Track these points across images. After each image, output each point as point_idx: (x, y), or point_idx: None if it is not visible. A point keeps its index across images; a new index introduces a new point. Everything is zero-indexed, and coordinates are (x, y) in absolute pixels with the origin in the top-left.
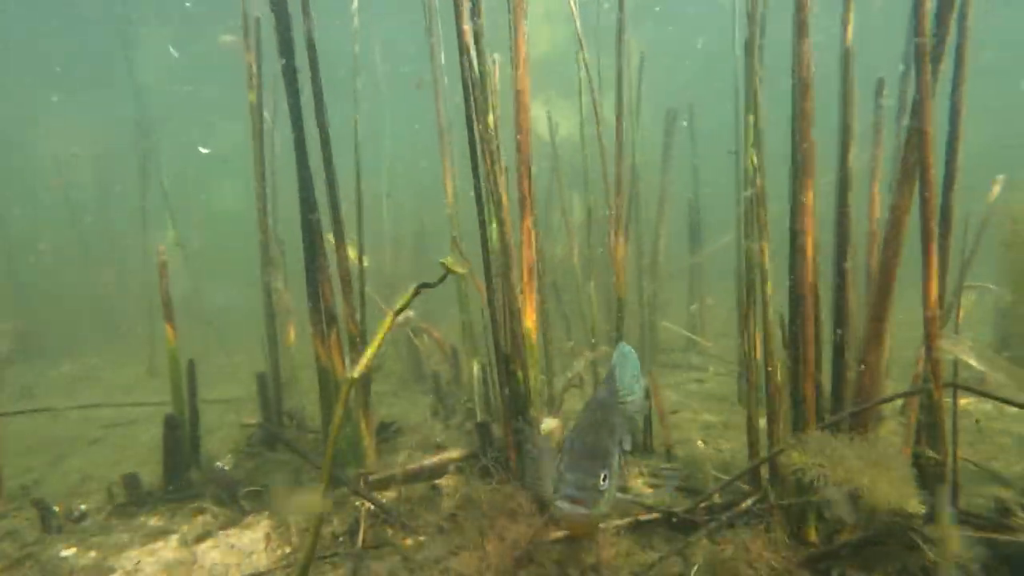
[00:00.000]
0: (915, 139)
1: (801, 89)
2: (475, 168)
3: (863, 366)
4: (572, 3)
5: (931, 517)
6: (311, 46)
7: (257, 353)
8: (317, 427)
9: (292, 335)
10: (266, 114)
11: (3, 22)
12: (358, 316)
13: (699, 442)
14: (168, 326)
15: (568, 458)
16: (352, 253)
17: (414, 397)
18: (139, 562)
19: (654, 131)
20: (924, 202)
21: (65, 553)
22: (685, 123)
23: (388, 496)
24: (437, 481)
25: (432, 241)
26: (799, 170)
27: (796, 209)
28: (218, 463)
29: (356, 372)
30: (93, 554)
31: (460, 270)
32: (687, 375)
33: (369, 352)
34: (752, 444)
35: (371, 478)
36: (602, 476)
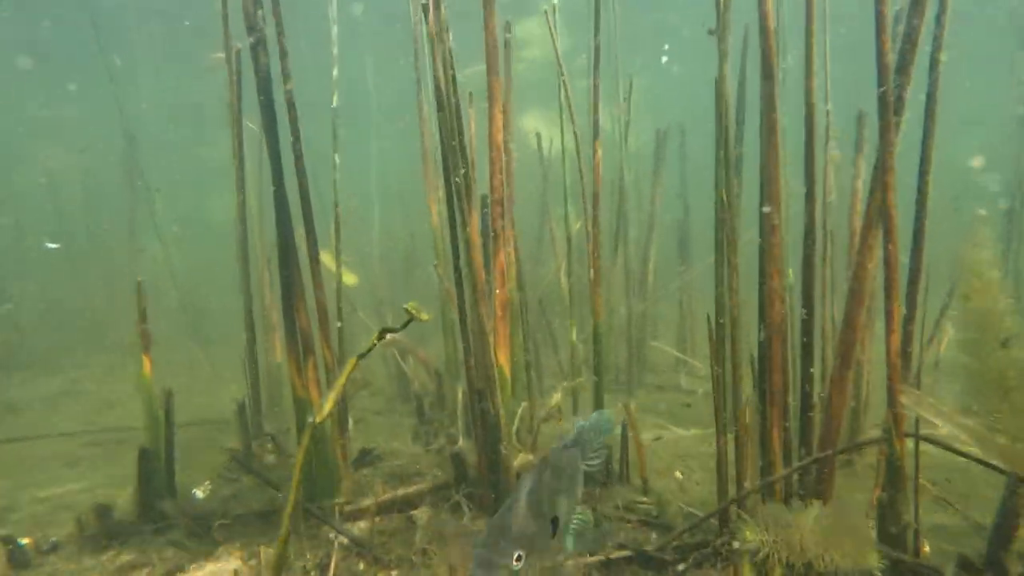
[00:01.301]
0: (879, 190)
1: (769, 129)
2: (450, 207)
3: (829, 411)
4: (552, 29)
5: (892, 570)
6: (291, 106)
7: (242, 370)
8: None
9: (279, 351)
10: (250, 124)
11: None
12: (335, 346)
13: (677, 473)
14: (145, 357)
15: (487, 533)
16: (329, 262)
17: (399, 417)
18: None
19: (646, 152)
20: (887, 255)
21: None
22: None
23: (362, 527)
24: (412, 512)
25: (423, 257)
26: (766, 243)
27: (764, 255)
28: (194, 490)
29: (319, 417)
30: None
31: (424, 316)
32: (675, 397)
33: (333, 395)
34: (721, 484)
35: (346, 510)
36: (515, 557)
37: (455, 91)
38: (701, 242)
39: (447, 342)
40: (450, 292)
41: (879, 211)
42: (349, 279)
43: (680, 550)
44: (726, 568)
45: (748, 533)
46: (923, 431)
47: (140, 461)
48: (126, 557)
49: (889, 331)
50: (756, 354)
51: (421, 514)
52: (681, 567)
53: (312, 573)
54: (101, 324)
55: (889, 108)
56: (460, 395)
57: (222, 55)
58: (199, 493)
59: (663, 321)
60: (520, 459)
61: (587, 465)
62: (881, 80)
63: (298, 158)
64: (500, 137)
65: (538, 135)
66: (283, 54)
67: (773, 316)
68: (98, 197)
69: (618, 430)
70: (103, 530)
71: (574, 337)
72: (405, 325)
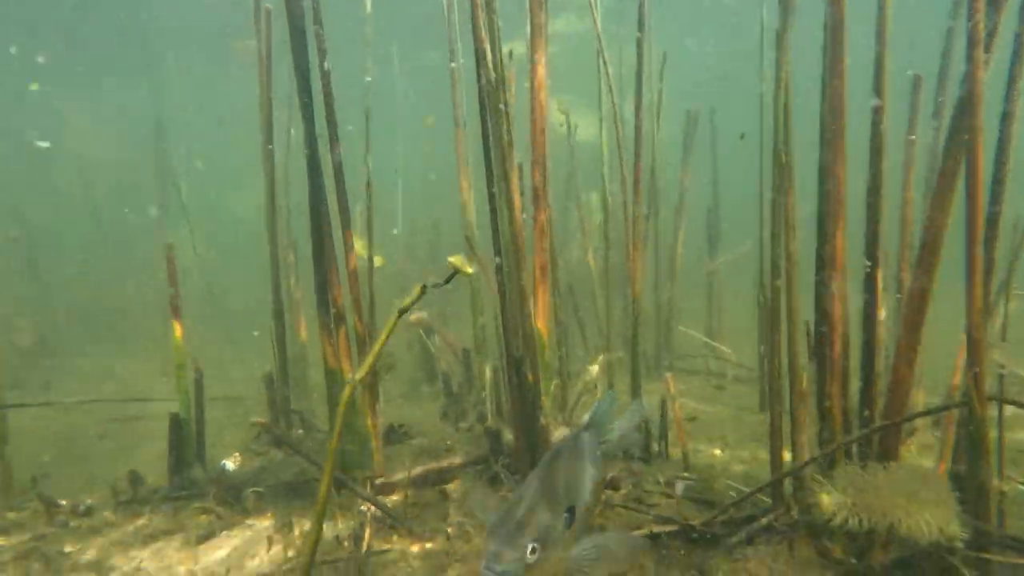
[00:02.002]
0: (962, 133)
1: (832, 72)
2: (488, 167)
3: (894, 379)
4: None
5: (973, 541)
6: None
7: (268, 350)
8: (325, 428)
9: (303, 332)
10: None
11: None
12: (366, 316)
13: (716, 451)
14: (175, 323)
15: (497, 523)
16: (361, 250)
17: (425, 399)
18: (140, 561)
19: (675, 133)
20: (971, 201)
21: (68, 549)
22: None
23: (395, 500)
24: (445, 486)
25: (448, 239)
26: (826, 167)
27: (826, 214)
28: (223, 462)
29: (359, 375)
30: (94, 552)
31: (468, 269)
32: (705, 381)
33: (372, 355)
34: (775, 456)
35: (377, 482)
36: (529, 549)
37: (498, 42)
38: (730, 229)
39: (475, 321)
40: (484, 266)
41: (962, 153)
42: (377, 260)
43: (727, 525)
44: (779, 544)
45: (825, 496)
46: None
47: (171, 429)
48: (159, 522)
49: (971, 282)
50: (813, 320)
51: (455, 488)
52: (733, 540)
53: (345, 543)
54: (129, 313)
55: (978, 44)
56: (489, 373)
57: (249, 42)
58: (229, 464)
59: (691, 309)
60: (558, 432)
61: (603, 445)
62: (971, 14)
63: (331, 122)
64: (543, 94)
65: (566, 115)
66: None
67: (835, 280)
68: (129, 188)
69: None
70: (136, 496)
71: (611, 313)
72: (449, 279)
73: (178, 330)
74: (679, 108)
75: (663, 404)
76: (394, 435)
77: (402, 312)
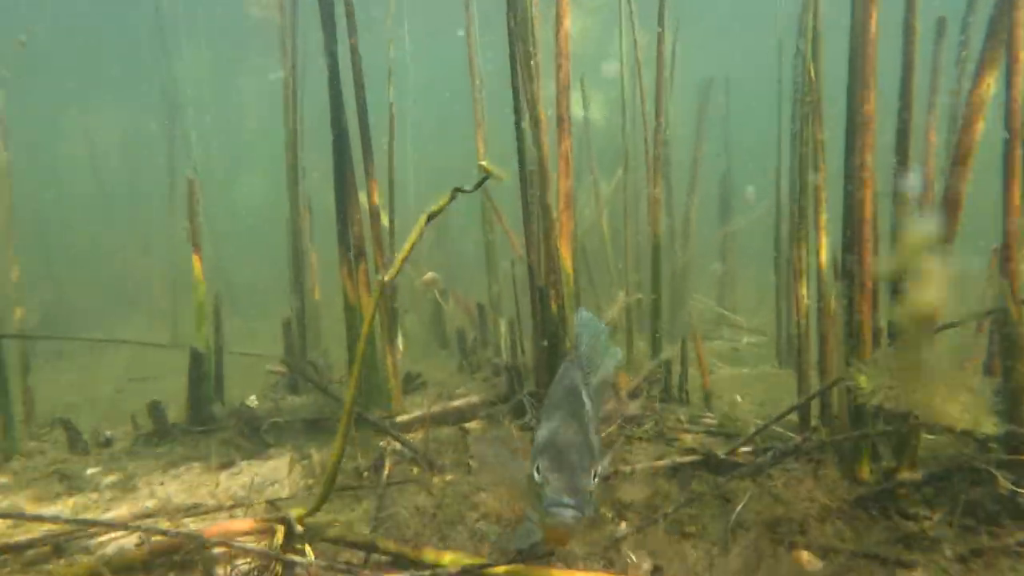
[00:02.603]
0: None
1: None
2: (514, 87)
3: None
4: None
5: (1008, 443)
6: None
7: (277, 324)
8: (339, 377)
9: (317, 291)
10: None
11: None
12: (387, 252)
13: (737, 396)
14: (195, 256)
15: (550, 457)
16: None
17: (438, 361)
18: (162, 483)
19: (689, 102)
20: (1009, 92)
21: (91, 471)
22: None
23: (414, 438)
24: (464, 424)
25: (457, 216)
26: (857, 78)
27: (855, 127)
28: (244, 401)
29: (389, 276)
30: (117, 475)
31: (500, 175)
32: (720, 344)
33: (402, 254)
34: (801, 376)
35: (397, 419)
36: (592, 473)
37: None
38: (742, 199)
39: (491, 279)
40: (496, 213)
41: (1000, 47)
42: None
43: (753, 454)
44: (806, 467)
45: (862, 379)
46: None
47: (191, 363)
48: (180, 451)
49: (1009, 181)
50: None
51: (474, 426)
52: (759, 460)
53: (365, 474)
54: (139, 288)
55: None
56: (504, 326)
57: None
58: (250, 402)
59: (703, 282)
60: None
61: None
62: None
63: (353, 51)
64: (567, 22)
65: (583, 88)
66: None
67: (863, 192)
68: (138, 169)
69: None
70: (157, 428)
71: (627, 259)
72: (480, 184)
73: (198, 264)
74: (694, 75)
75: (683, 344)
76: (411, 383)
77: (431, 216)
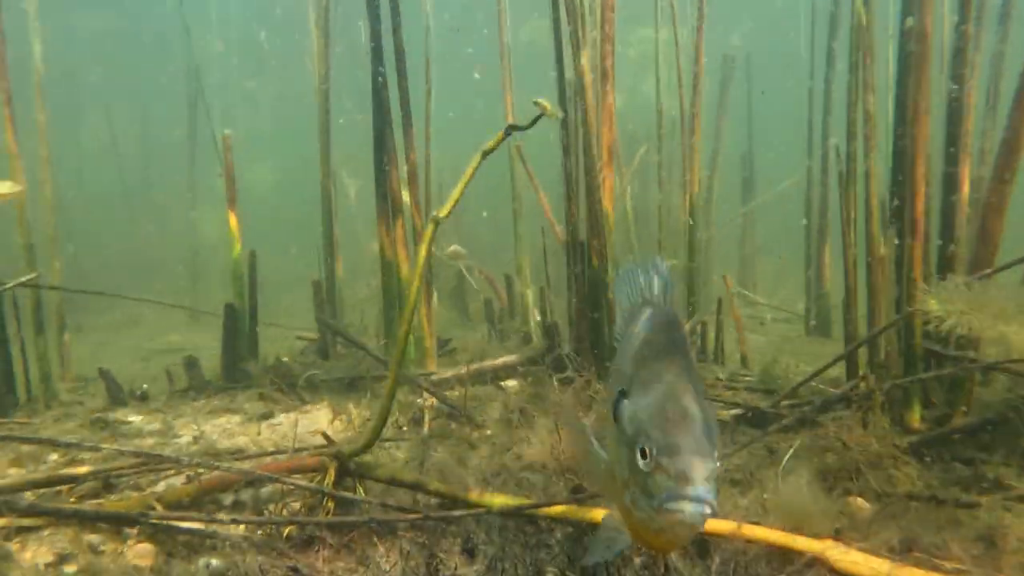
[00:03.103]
0: None
1: None
2: (556, 35)
3: (984, 229)
4: None
5: None
6: None
7: (299, 303)
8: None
9: (340, 269)
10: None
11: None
12: (424, 207)
13: (773, 358)
14: (230, 212)
15: (665, 433)
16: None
17: (462, 332)
18: (204, 430)
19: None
20: None
21: (133, 418)
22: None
23: (452, 396)
24: (502, 382)
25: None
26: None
27: (907, 64)
28: (279, 358)
29: (444, 212)
30: (158, 423)
31: (555, 112)
32: (746, 321)
33: (456, 192)
34: (849, 325)
35: (434, 377)
36: (715, 454)
37: None
38: (763, 178)
39: (517, 249)
40: (529, 175)
41: None
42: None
43: (795, 409)
44: (855, 415)
45: (933, 302)
46: None
47: (226, 317)
48: (217, 403)
49: None
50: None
51: (511, 384)
52: (806, 409)
53: (404, 428)
54: (155, 270)
55: None
56: (533, 292)
57: None
58: (284, 360)
59: (725, 259)
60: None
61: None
62: None
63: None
64: None
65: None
66: None
67: (918, 131)
68: (158, 154)
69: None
70: (192, 383)
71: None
72: (535, 121)
73: (233, 221)
74: (716, 52)
75: (719, 303)
76: (443, 348)
77: (486, 153)
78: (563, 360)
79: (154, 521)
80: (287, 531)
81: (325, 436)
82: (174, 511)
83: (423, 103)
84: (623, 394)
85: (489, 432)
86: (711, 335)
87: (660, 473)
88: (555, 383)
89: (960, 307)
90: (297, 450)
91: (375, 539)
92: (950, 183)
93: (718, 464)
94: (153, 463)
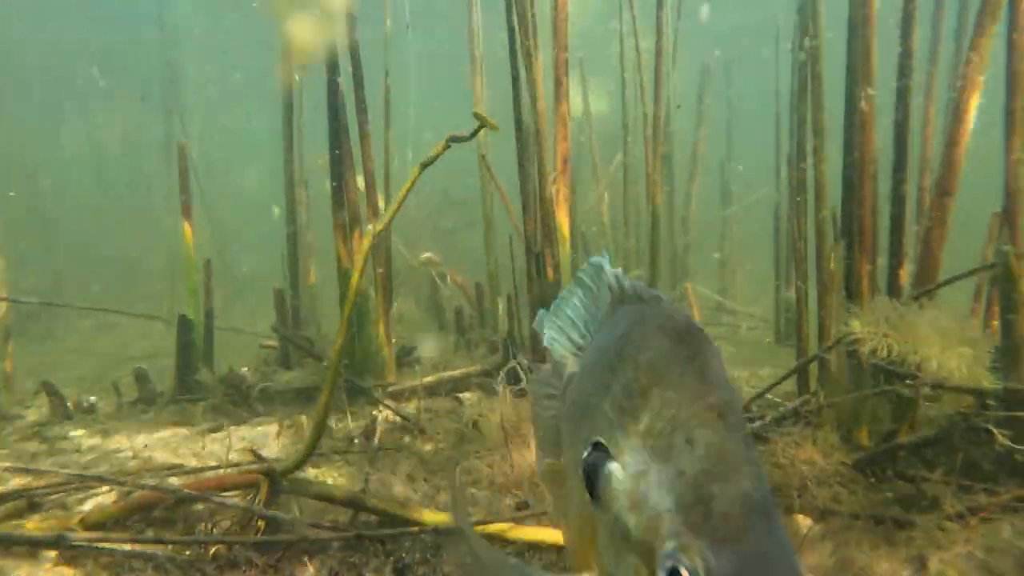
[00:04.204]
0: None
1: None
2: (510, 46)
3: (927, 244)
4: None
5: (1006, 400)
6: None
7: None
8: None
9: (312, 275)
10: None
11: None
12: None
13: (735, 372)
14: (185, 223)
15: (718, 540)
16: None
17: (435, 342)
18: (146, 445)
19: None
20: (1011, 48)
21: (73, 433)
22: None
23: (408, 408)
24: (460, 394)
25: (459, 192)
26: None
27: (855, 72)
28: (237, 370)
29: (380, 225)
30: (99, 438)
31: (493, 124)
32: (719, 329)
33: (394, 206)
34: (800, 341)
35: (390, 389)
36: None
37: None
38: (743, 186)
39: (489, 257)
40: (495, 181)
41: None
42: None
43: (749, 421)
44: (804, 431)
45: (857, 323)
46: None
47: (179, 329)
48: (166, 417)
49: (1010, 132)
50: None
51: (469, 396)
52: (756, 424)
53: (356, 440)
54: (134, 277)
55: None
56: (503, 302)
57: None
58: (243, 371)
59: (704, 266)
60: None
61: None
62: None
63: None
64: None
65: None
66: None
67: (864, 143)
68: (138, 159)
69: None
70: (142, 395)
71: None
72: (475, 133)
73: (188, 232)
74: (695, 60)
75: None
76: (406, 357)
77: (425, 165)
78: (518, 372)
79: (74, 544)
80: (213, 551)
81: (254, 453)
82: (98, 531)
83: (397, 107)
84: (600, 450)
85: (441, 445)
86: None
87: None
88: (508, 396)
89: (883, 329)
90: (233, 466)
91: (305, 558)
92: (898, 199)
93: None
94: (76, 482)
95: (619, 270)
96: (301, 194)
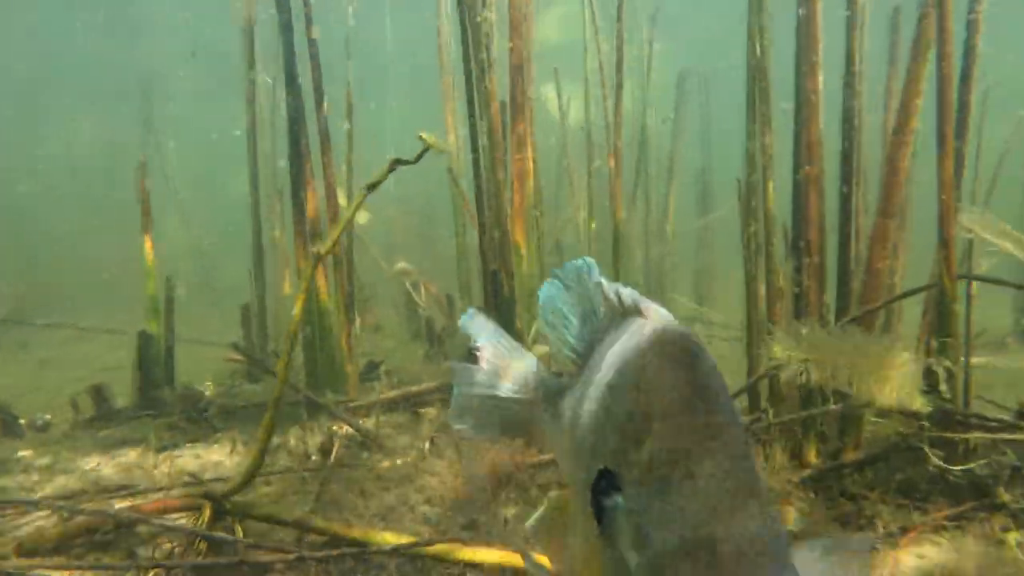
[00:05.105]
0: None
1: None
2: (467, 68)
3: (869, 265)
4: None
5: (940, 421)
6: None
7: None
8: (300, 365)
9: (287, 285)
10: None
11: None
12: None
13: None
14: (146, 237)
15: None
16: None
17: (409, 352)
18: (98, 464)
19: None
20: (940, 70)
21: (22, 453)
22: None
23: (368, 423)
24: (420, 410)
25: (442, 205)
26: (803, 44)
27: (801, 102)
28: (198, 386)
29: (325, 248)
30: (48, 458)
31: (441, 147)
32: None
33: (338, 229)
34: (752, 359)
35: (351, 405)
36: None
37: None
38: (722, 193)
39: (460, 267)
40: (463, 196)
41: (933, 31)
42: (360, 217)
43: None
44: (758, 446)
45: (777, 348)
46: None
47: (140, 346)
48: (121, 435)
49: (942, 154)
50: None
51: (429, 412)
52: None
53: (313, 457)
54: (114, 286)
55: None
56: None
57: None
58: (203, 389)
59: (683, 274)
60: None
61: None
62: None
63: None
64: None
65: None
66: None
67: (811, 162)
68: (117, 163)
69: None
70: (99, 412)
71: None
72: (420, 156)
73: (148, 247)
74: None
75: None
76: (373, 372)
77: (371, 187)
78: None
79: (8, 573)
80: (151, 575)
81: (192, 476)
82: (34, 557)
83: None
84: (609, 479)
85: (399, 462)
86: None
87: None
88: None
89: (802, 354)
90: (176, 488)
91: None
92: (845, 218)
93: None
94: (11, 507)
95: (617, 283)
96: (276, 204)
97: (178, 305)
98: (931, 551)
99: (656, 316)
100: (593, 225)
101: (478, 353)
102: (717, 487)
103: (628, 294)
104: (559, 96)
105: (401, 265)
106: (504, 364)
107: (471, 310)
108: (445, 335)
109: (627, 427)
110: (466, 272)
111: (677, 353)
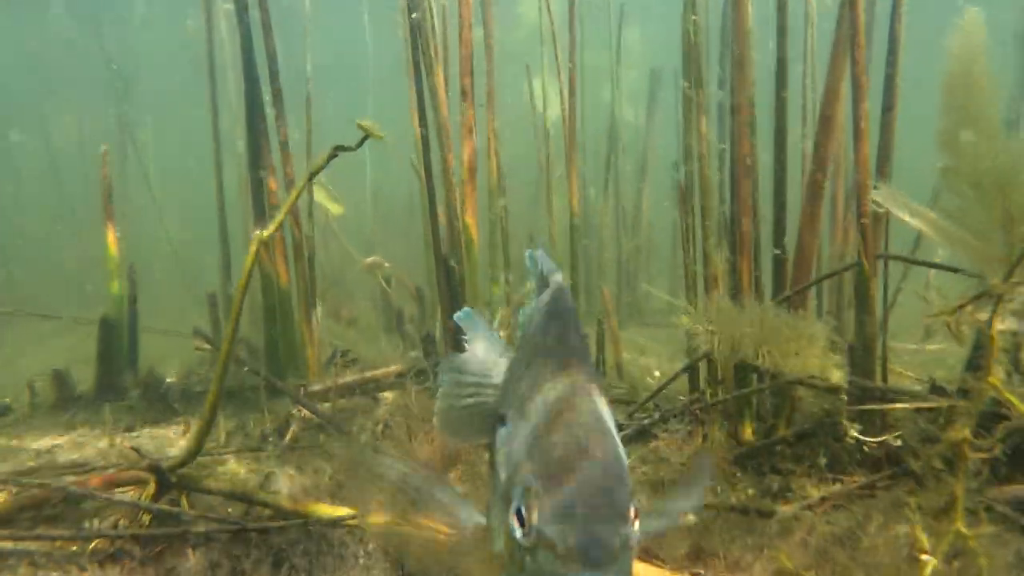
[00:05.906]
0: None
1: None
2: (416, 61)
3: (800, 249)
4: None
5: (861, 399)
6: None
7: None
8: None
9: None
10: None
11: None
12: (304, 224)
13: (656, 373)
14: (109, 227)
15: (547, 481)
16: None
17: (381, 343)
18: (53, 445)
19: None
20: (854, 59)
21: None
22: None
23: (327, 407)
24: (379, 394)
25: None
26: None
27: (734, 89)
28: (164, 376)
29: (267, 232)
30: (3, 439)
31: (378, 134)
32: (664, 332)
33: (281, 214)
34: (690, 344)
35: (310, 389)
36: (632, 515)
37: None
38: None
39: (427, 258)
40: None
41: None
42: (335, 208)
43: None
44: (695, 430)
45: (684, 319)
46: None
47: (101, 333)
48: (81, 418)
49: (857, 133)
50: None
51: (388, 395)
52: (647, 421)
53: (271, 439)
54: (92, 282)
55: None
56: (440, 310)
57: None
58: (167, 377)
59: (659, 265)
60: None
61: None
62: None
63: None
64: None
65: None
66: None
67: (742, 151)
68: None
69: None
70: (60, 397)
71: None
72: (361, 143)
73: (110, 236)
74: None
75: (599, 322)
76: (338, 358)
77: (312, 175)
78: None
79: None
80: (92, 545)
81: (135, 450)
82: None
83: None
84: (501, 419)
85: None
86: (592, 348)
87: (544, 550)
88: (413, 394)
89: (714, 327)
90: (123, 464)
91: (188, 550)
92: (779, 202)
93: (636, 531)
94: None
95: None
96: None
97: (155, 296)
98: (841, 517)
99: (555, 278)
100: (562, 216)
101: (467, 347)
102: (560, 406)
103: (548, 267)
104: (530, 87)
105: (372, 259)
106: (491, 360)
107: (467, 309)
108: (412, 326)
109: (514, 372)
110: (432, 262)
111: (549, 308)
